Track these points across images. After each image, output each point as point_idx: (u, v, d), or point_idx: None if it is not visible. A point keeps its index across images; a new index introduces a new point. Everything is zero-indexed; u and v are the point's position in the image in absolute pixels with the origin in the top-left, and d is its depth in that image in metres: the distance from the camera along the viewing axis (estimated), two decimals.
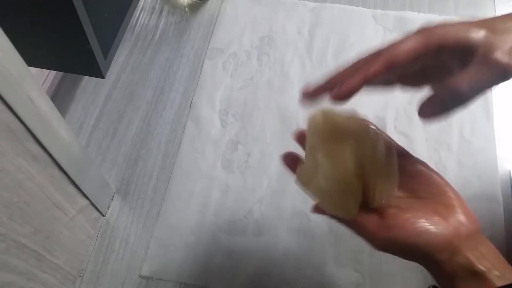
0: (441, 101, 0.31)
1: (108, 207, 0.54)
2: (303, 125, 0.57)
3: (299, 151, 0.40)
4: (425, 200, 0.34)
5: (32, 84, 0.33)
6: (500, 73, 0.30)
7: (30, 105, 0.33)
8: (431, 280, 0.48)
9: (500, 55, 0.30)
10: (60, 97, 0.63)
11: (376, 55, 0.32)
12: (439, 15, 0.69)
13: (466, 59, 0.30)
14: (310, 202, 0.49)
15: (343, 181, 0.32)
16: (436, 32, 0.31)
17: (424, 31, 0.32)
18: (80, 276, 0.50)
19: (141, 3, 0.71)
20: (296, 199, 0.54)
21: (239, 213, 0.53)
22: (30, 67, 0.33)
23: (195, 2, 0.71)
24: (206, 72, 0.65)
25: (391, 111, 0.60)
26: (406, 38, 0.31)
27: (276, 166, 0.56)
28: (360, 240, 0.55)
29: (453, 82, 0.30)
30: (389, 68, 0.31)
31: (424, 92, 0.33)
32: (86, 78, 0.64)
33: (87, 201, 0.48)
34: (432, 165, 0.57)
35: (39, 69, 0.59)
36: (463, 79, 0.30)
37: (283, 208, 0.54)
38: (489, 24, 0.31)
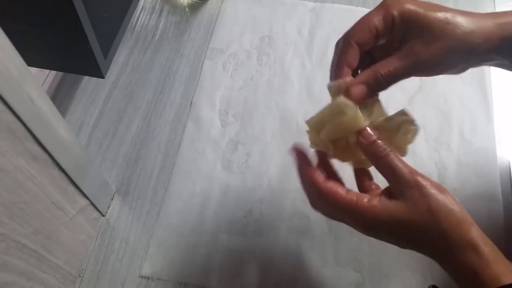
0: (366, 83, 0.35)
1: (108, 207, 0.54)
2: (302, 125, 0.57)
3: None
4: None
5: (32, 84, 0.33)
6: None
7: (30, 105, 0.33)
8: (431, 280, 0.48)
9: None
10: (60, 97, 0.63)
11: (348, 39, 0.36)
12: None
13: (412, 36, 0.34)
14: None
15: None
16: (394, 6, 0.34)
17: (384, 5, 0.35)
18: (80, 276, 0.50)
19: (141, 3, 0.71)
20: (296, 199, 0.54)
21: (239, 213, 0.53)
22: (30, 67, 0.33)
23: (195, 2, 0.71)
24: (206, 72, 0.65)
25: (391, 111, 0.60)
26: (368, 14, 0.35)
27: (276, 166, 0.56)
28: (360, 240, 0.55)
29: (376, 67, 0.35)
30: (361, 49, 0.35)
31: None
32: (86, 78, 0.64)
33: (87, 201, 0.48)
34: (432, 165, 0.57)
35: (39, 69, 0.59)
36: (383, 66, 0.34)
37: (283, 208, 0.54)
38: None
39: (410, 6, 0.34)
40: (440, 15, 0.33)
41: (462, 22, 0.33)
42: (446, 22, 0.33)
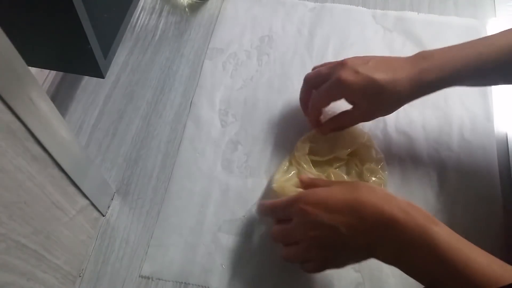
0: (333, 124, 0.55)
1: (108, 207, 0.54)
2: (303, 125, 0.57)
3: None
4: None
5: (32, 84, 0.33)
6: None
7: (30, 105, 0.33)
8: None
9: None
10: (60, 97, 0.63)
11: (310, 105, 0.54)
12: (439, 15, 0.69)
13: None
14: None
15: None
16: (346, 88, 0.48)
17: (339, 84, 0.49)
18: (80, 276, 0.50)
19: (141, 3, 0.71)
20: None
21: (239, 213, 0.53)
22: (30, 67, 0.33)
23: (195, 2, 0.71)
24: (206, 72, 0.65)
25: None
26: (326, 90, 0.51)
27: (276, 166, 0.56)
28: None
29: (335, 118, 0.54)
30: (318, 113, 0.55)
31: None
32: (86, 78, 0.64)
33: (87, 201, 0.48)
34: (432, 165, 0.57)
35: (39, 69, 0.59)
36: (340, 117, 0.53)
37: None
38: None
39: (356, 85, 0.47)
40: (373, 85, 0.46)
41: (387, 83, 0.46)
42: (378, 87, 0.46)
